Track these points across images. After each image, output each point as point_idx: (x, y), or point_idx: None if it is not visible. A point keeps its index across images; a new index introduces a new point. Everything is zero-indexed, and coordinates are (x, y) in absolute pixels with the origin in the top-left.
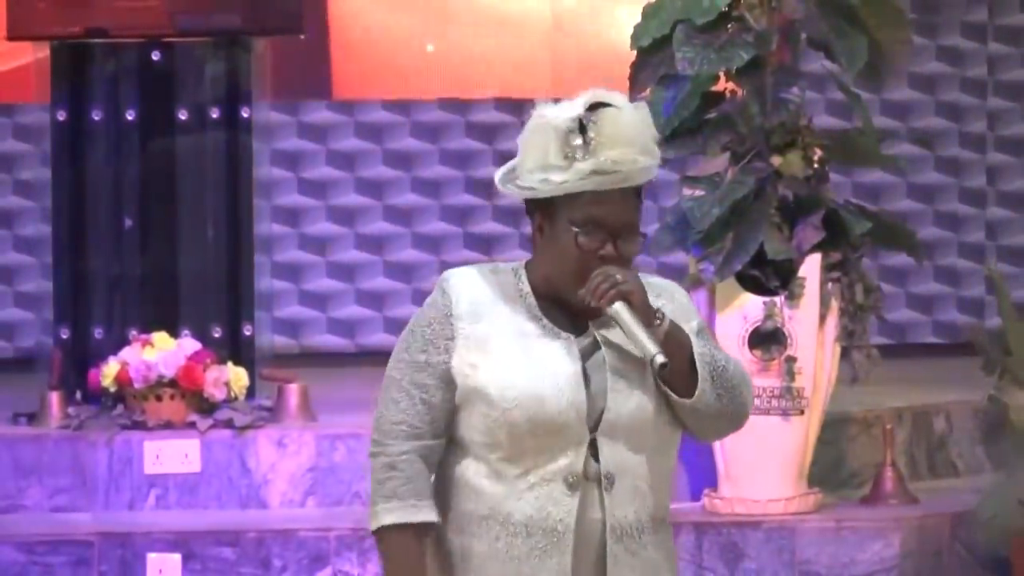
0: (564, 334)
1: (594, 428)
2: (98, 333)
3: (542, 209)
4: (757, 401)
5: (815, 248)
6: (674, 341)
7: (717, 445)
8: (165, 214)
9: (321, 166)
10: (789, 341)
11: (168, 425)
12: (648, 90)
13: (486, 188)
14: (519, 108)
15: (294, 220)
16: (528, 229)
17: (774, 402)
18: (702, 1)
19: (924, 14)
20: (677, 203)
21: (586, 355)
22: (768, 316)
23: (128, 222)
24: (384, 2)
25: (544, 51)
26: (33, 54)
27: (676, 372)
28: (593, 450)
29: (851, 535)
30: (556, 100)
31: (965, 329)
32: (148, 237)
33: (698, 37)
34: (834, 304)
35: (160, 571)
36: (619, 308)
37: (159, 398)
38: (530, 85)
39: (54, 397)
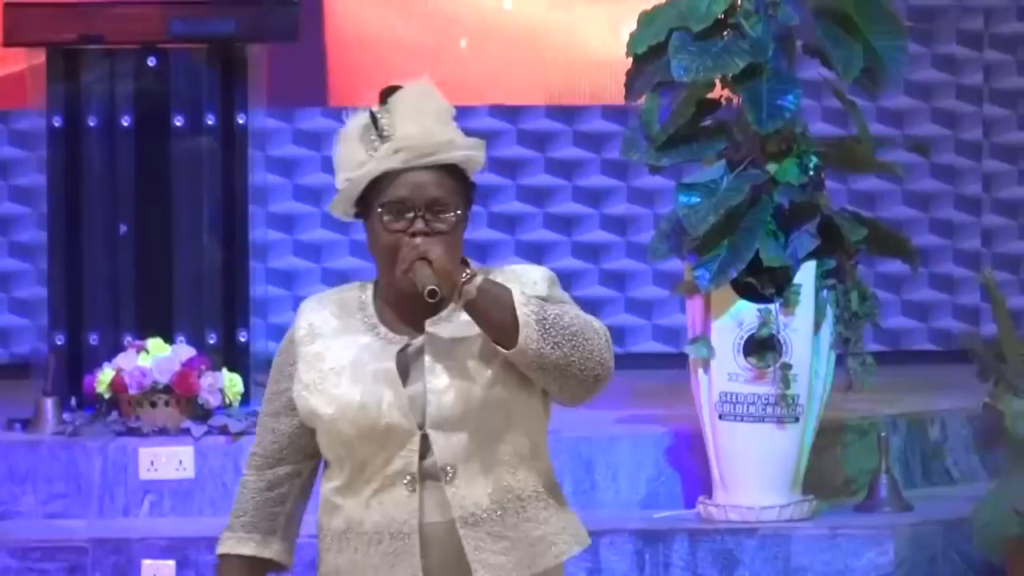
0: (398, 338)
1: (424, 424)
2: (93, 339)
3: (363, 214)
4: (752, 408)
5: (810, 255)
6: (488, 296)
7: (711, 452)
8: (160, 220)
9: (316, 172)
10: (784, 348)
11: (163, 431)
12: (644, 97)
13: (480, 195)
14: (514, 115)
15: (289, 226)
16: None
17: (769, 409)
18: (698, 8)
19: (920, 21)
20: (672, 210)
21: (414, 354)
22: (763, 323)
23: (123, 228)
24: (380, 9)
25: (538, 59)
26: (28, 60)
27: (497, 325)
28: (427, 446)
29: (846, 542)
30: (549, 107)
31: (961, 336)
32: (143, 243)
33: (694, 44)
34: (829, 311)
35: None
36: (418, 269)
37: (154, 404)
38: (524, 92)
39: (49, 403)
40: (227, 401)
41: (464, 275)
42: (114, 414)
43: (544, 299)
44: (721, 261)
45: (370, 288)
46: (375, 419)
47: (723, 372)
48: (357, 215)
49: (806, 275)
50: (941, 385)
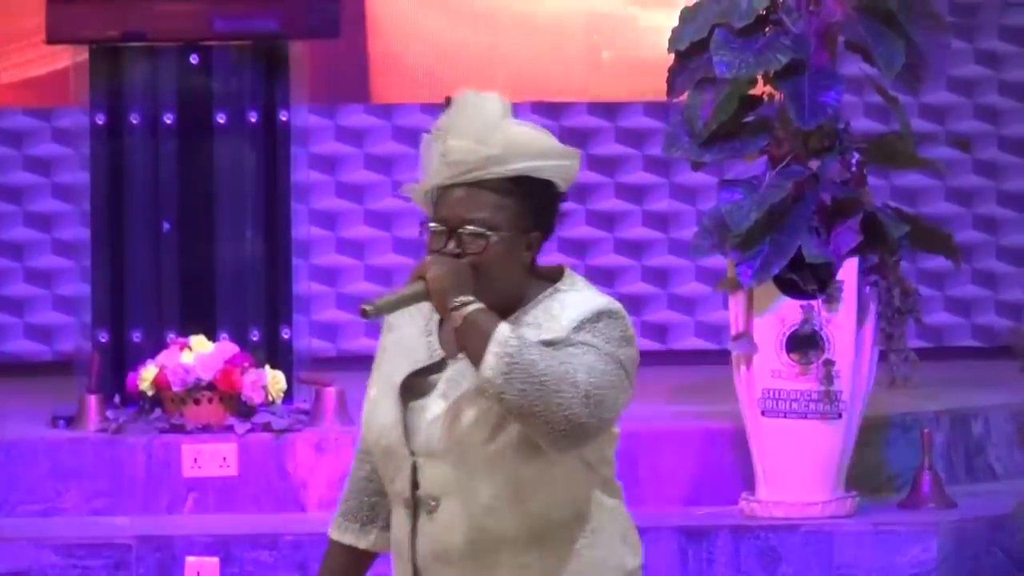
0: (439, 353)
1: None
2: (136, 336)
3: None
4: (795, 404)
5: (853, 251)
6: (472, 327)
7: (754, 448)
8: (203, 217)
9: (359, 169)
10: (827, 345)
11: (206, 428)
12: (685, 94)
13: None
14: (556, 112)
15: (331, 223)
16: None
17: (812, 406)
18: (740, 4)
19: (962, 17)
20: (714, 206)
21: (433, 377)
22: (806, 320)
23: (166, 225)
24: (422, 4)
25: (581, 55)
26: (72, 57)
27: (474, 358)
28: (416, 472)
29: (889, 539)
30: (591, 104)
31: (1004, 332)
32: (186, 240)
33: (736, 41)
34: (872, 307)
35: (198, 574)
36: (412, 286)
37: (197, 401)
38: (567, 89)
39: (92, 400)
40: (270, 398)
41: (457, 303)
42: (157, 411)
43: (551, 342)
44: (763, 257)
45: None
46: (376, 437)
47: (766, 368)
48: None
49: (848, 271)
50: (984, 381)
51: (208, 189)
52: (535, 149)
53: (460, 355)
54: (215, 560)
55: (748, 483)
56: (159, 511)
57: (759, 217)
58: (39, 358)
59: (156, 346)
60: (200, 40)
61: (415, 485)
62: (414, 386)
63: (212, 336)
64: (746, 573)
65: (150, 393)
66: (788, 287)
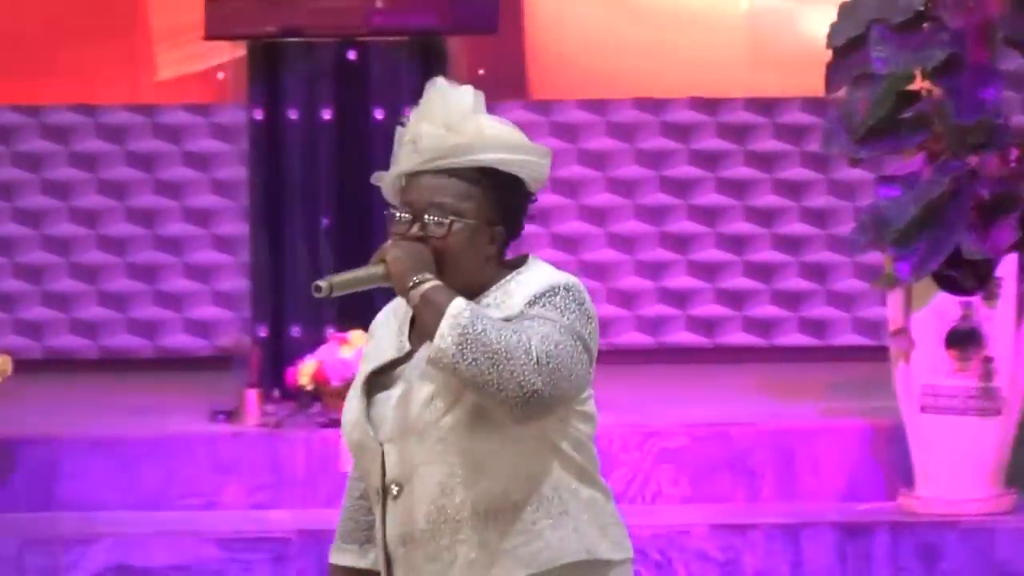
0: (404, 346)
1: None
2: (295, 331)
3: None
4: (954, 401)
5: (1012, 248)
6: (428, 304)
7: (912, 444)
8: (361, 213)
9: None
10: (986, 341)
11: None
12: (843, 90)
13: (680, 187)
14: (714, 107)
15: None
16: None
17: (971, 402)
18: (898, 0)
19: None
20: (873, 203)
21: (400, 368)
22: (965, 316)
23: (324, 221)
24: (579, 1)
25: (739, 50)
26: (230, 53)
27: (426, 328)
28: (384, 460)
29: None
30: (748, 100)
31: None
32: (344, 235)
33: (893, 36)
34: None
35: None
36: (372, 268)
37: None
38: (724, 85)
39: (252, 395)
40: None
41: (414, 280)
42: (316, 406)
43: (507, 318)
44: (921, 254)
45: None
46: (348, 430)
47: (924, 365)
48: None
49: (1008, 268)
50: None
51: (366, 185)
52: (504, 142)
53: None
54: None
55: (906, 479)
56: (318, 505)
57: (917, 213)
58: (198, 353)
59: (315, 341)
60: (358, 36)
61: (383, 474)
62: (383, 381)
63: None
64: (905, 570)
65: (309, 388)
66: (946, 283)
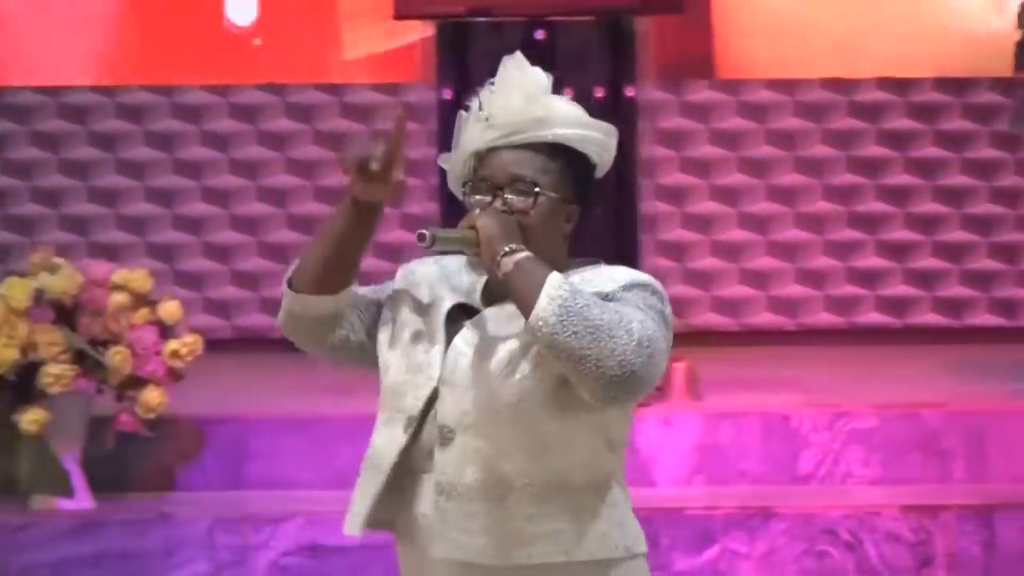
0: (475, 298)
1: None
2: None
3: None
4: None
5: None
6: (523, 273)
7: None
8: None
9: (704, 145)
10: None
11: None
12: None
13: (869, 168)
14: (903, 87)
15: (678, 199)
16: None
17: None
18: None
19: None
20: None
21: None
22: None
23: None
24: None
25: (927, 30)
26: (419, 33)
27: (524, 302)
28: (435, 400)
29: None
30: (937, 80)
31: None
32: None
33: None
34: None
35: None
36: (463, 234)
37: None
38: (912, 65)
39: None
40: None
41: (507, 248)
42: None
43: (606, 295)
44: None
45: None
46: (415, 350)
47: None
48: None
49: None
50: None
51: None
52: (577, 119)
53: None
54: None
55: None
56: None
57: None
58: None
59: None
60: (545, 15)
61: (424, 410)
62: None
63: None
64: None
65: None
66: None
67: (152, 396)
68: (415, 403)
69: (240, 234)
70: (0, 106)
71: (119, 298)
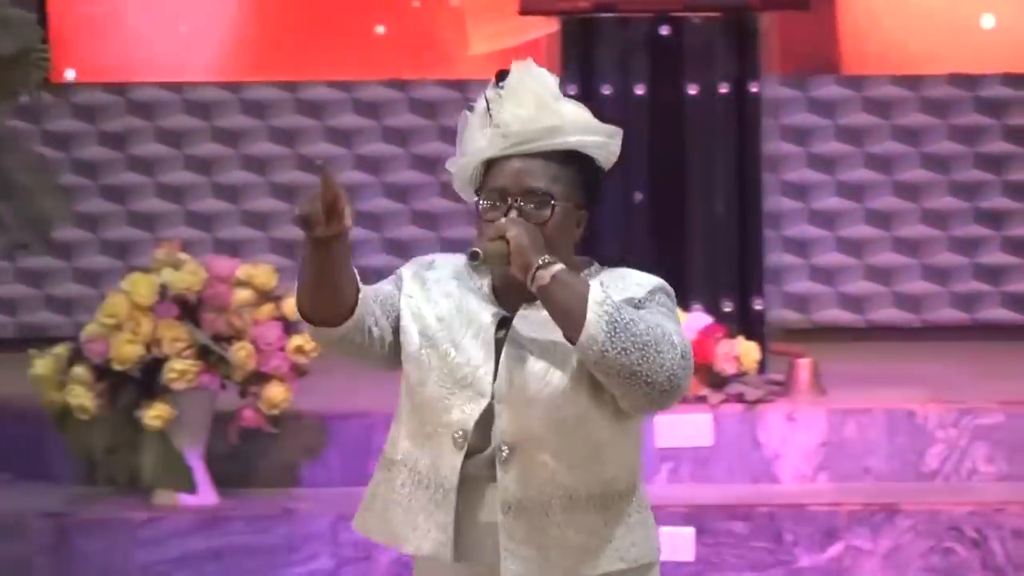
0: (498, 311)
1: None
2: None
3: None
4: None
5: None
6: (561, 285)
7: None
8: (675, 188)
9: (829, 141)
10: None
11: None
12: None
13: (994, 163)
14: (915, 84)
15: (803, 195)
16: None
17: None
18: None
19: None
20: None
21: (500, 330)
22: None
23: (638, 196)
24: None
25: (939, 28)
26: (544, 29)
27: (566, 317)
28: (491, 415)
29: None
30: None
31: None
32: (658, 211)
33: None
34: None
35: (674, 545)
36: (491, 246)
37: None
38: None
39: None
40: (743, 369)
41: (541, 261)
42: None
43: (637, 303)
44: None
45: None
46: (457, 365)
47: None
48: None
49: None
50: None
51: (679, 160)
52: (585, 124)
53: (523, 311)
54: (690, 531)
55: None
56: None
57: None
58: None
59: None
60: (671, 11)
61: (478, 426)
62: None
63: (685, 306)
64: None
65: None
66: None
67: (276, 392)
68: (464, 418)
69: (364, 229)
70: (127, 102)
71: (243, 294)
